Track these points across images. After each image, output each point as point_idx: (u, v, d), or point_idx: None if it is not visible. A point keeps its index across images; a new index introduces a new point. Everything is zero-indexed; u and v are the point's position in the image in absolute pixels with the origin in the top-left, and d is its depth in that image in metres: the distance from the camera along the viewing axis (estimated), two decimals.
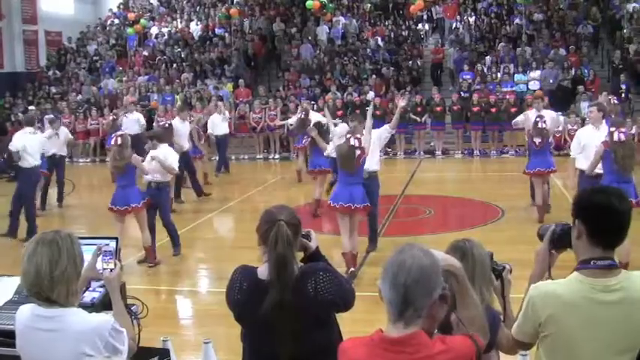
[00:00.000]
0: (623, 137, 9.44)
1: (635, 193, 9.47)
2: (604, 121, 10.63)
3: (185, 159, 14.86)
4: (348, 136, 9.80)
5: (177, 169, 11.67)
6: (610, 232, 3.13)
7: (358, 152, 9.64)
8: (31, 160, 12.87)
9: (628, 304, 3.06)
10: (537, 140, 12.56)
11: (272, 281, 3.56)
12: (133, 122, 19.20)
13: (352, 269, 9.70)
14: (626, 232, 3.13)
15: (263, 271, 3.68)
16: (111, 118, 21.46)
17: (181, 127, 15.58)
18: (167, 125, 15.52)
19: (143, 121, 19.92)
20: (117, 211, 10.76)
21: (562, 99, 21.62)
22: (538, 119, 12.62)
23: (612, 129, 9.56)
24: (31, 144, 12.87)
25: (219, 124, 19.55)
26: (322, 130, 13.61)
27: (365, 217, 10.58)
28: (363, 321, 4.97)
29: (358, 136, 9.72)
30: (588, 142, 10.28)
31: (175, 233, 11.54)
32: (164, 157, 11.09)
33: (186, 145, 15.48)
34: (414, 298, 2.72)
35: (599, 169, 9.75)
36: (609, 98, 17.21)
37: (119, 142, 10.69)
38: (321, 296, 3.60)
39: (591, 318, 3.07)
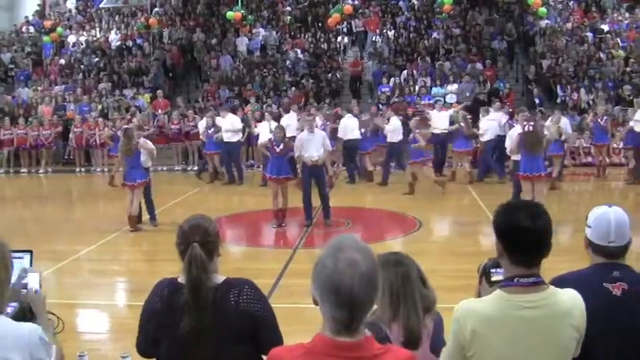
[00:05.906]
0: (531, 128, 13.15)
1: (544, 166, 13.67)
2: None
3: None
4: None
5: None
6: (525, 251, 3.05)
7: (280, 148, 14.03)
8: None
9: (550, 319, 2.99)
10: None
11: (188, 304, 3.54)
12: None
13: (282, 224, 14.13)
14: (545, 249, 3.05)
15: (184, 278, 3.66)
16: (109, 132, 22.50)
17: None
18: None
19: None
20: (129, 186, 13.99)
21: (478, 112, 22.02)
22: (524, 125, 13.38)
23: (524, 123, 13.31)
24: None
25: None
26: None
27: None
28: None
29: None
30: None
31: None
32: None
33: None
34: (361, 314, 2.49)
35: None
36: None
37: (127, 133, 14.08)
38: (241, 306, 3.59)
39: (513, 335, 2.99)
